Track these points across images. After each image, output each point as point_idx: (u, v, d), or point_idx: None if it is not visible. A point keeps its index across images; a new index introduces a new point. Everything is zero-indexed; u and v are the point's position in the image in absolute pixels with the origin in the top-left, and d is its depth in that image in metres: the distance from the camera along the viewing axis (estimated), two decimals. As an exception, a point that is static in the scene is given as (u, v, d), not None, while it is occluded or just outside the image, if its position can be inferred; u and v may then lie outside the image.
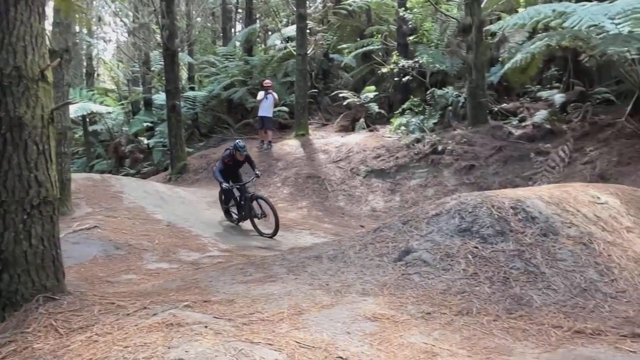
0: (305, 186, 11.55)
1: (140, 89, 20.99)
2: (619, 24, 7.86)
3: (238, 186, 8.39)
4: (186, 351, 2.46)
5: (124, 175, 14.93)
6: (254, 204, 8.26)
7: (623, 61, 8.76)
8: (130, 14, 19.35)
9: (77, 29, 19.27)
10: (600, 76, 11.25)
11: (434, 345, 2.85)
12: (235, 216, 8.70)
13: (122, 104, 20.90)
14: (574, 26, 7.98)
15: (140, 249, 6.76)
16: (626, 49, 8.17)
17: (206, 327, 2.85)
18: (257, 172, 8.71)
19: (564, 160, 8.99)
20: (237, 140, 8.94)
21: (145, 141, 18.40)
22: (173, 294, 4.03)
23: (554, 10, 8.51)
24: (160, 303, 3.56)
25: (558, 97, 10.64)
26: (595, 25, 7.86)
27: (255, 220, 8.24)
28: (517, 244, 3.85)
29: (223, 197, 8.81)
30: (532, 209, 4.12)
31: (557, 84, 11.52)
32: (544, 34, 9.98)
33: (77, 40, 20.67)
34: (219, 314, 3.28)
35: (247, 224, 8.51)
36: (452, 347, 2.84)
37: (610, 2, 8.25)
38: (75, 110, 15.92)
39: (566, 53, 10.98)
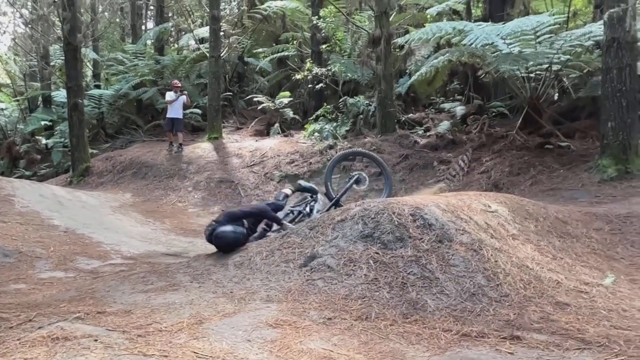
0: (217, 191, 11.33)
1: (38, 84, 19.56)
2: (510, 44, 8.54)
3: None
4: (70, 367, 2.33)
5: (17, 177, 13.84)
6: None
7: (515, 78, 9.52)
8: (29, 4, 17.98)
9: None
10: (496, 91, 12.20)
11: (332, 351, 2.90)
12: None
13: (18, 100, 19.34)
14: (472, 43, 8.57)
15: (33, 256, 6.26)
16: (516, 67, 8.90)
17: (96, 340, 2.71)
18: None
19: (463, 169, 9.57)
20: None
21: (44, 141, 17.17)
22: (64, 305, 3.78)
23: (454, 28, 9.09)
24: (48, 315, 3.34)
25: (459, 109, 11.36)
26: (490, 44, 8.49)
27: None
28: (414, 250, 4.01)
29: None
30: (430, 216, 4.33)
31: (459, 97, 12.31)
32: (446, 49, 10.60)
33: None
34: (113, 326, 3.13)
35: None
36: (350, 352, 2.91)
37: (503, 24, 8.96)
38: (-39, 106, 14.64)
39: (466, 68, 11.79)
